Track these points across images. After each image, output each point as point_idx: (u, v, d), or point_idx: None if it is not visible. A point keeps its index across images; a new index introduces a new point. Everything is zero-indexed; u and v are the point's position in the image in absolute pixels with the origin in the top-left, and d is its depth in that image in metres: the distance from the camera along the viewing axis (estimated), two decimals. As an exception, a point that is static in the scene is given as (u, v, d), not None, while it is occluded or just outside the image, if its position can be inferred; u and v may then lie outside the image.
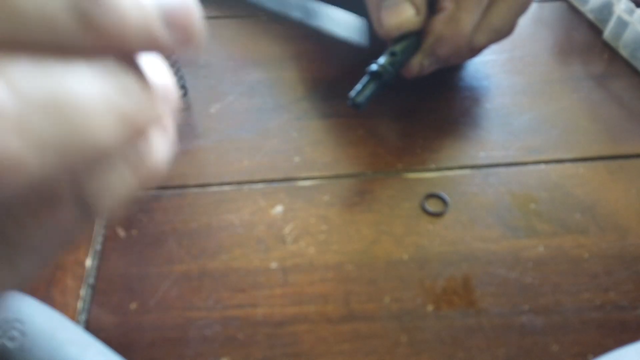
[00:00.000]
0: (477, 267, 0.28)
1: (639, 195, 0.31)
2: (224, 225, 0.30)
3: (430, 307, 0.27)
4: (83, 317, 0.27)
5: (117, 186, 0.11)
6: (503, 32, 0.34)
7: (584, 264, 0.28)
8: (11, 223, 0.10)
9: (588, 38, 0.43)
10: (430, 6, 0.33)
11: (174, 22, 0.10)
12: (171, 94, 0.12)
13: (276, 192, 0.32)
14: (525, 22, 0.44)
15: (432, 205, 0.31)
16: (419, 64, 0.34)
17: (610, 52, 0.41)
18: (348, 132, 0.35)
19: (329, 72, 0.39)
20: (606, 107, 0.37)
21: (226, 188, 0.32)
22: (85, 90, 0.09)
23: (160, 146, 0.13)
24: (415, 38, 0.33)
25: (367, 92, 0.31)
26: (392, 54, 0.32)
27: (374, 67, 0.31)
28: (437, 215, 0.30)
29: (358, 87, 0.31)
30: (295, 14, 0.15)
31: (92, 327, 0.26)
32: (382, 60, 0.32)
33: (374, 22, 0.35)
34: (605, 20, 0.42)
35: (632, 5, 0.39)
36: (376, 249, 0.29)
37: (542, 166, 0.33)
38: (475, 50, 0.34)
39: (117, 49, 0.10)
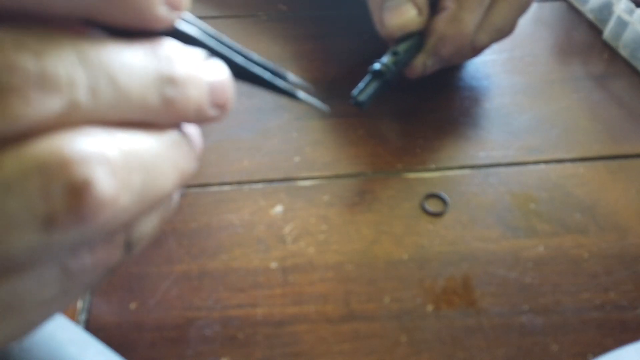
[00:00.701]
0: (477, 267, 0.28)
1: (639, 195, 0.31)
2: (224, 225, 0.30)
3: (430, 307, 0.27)
4: (83, 317, 0.27)
5: (152, 232, 0.14)
6: (505, 31, 0.34)
7: (584, 263, 0.28)
8: (70, 252, 0.12)
9: (588, 38, 0.43)
10: (432, 6, 0.33)
11: (217, 100, 0.14)
12: (198, 154, 0.15)
13: (276, 192, 0.32)
14: (525, 22, 0.44)
15: (432, 205, 0.31)
16: (422, 64, 0.34)
17: (610, 52, 0.41)
18: (348, 132, 0.35)
19: (329, 72, 0.39)
20: (606, 107, 0.37)
21: (226, 188, 0.32)
22: (162, 155, 0.13)
23: (176, 201, 0.16)
24: (417, 38, 0.33)
25: (370, 90, 0.31)
26: (395, 54, 0.32)
27: (376, 66, 0.31)
28: (437, 215, 0.30)
29: (360, 85, 0.31)
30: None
31: (92, 327, 0.26)
32: (384, 59, 0.32)
33: (376, 23, 0.35)
34: (605, 20, 0.42)
35: (632, 5, 0.39)
36: (376, 249, 0.29)
37: (542, 166, 0.33)
38: (477, 50, 0.35)
39: (180, 122, 0.13)
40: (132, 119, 0.12)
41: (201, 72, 0.13)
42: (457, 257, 0.28)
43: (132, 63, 0.12)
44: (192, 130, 0.14)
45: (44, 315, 0.13)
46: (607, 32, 0.41)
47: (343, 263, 0.28)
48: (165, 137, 0.13)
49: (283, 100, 0.37)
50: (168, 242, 0.29)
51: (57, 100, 0.10)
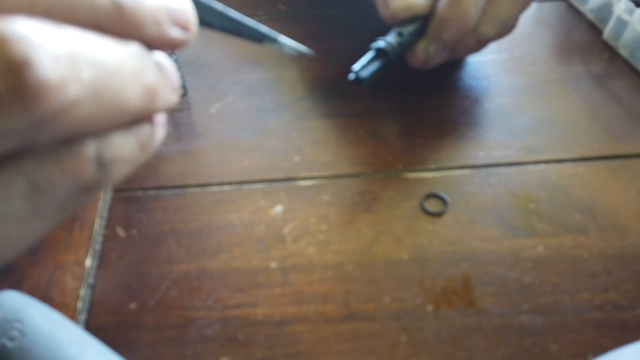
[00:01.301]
0: (477, 267, 0.28)
1: (639, 195, 0.31)
2: (224, 225, 0.30)
3: (430, 307, 0.27)
4: (83, 317, 0.27)
5: (128, 155, 0.14)
6: (508, 25, 0.34)
7: (584, 263, 0.28)
8: (36, 164, 0.12)
9: (588, 38, 0.43)
10: None
11: (177, 20, 0.14)
12: (175, 86, 0.15)
13: (276, 192, 0.32)
14: (525, 22, 0.44)
15: (432, 205, 0.31)
16: (424, 50, 0.34)
17: (610, 52, 0.41)
18: (348, 132, 0.35)
19: (329, 72, 0.39)
20: (606, 107, 0.37)
21: (226, 188, 0.32)
22: (119, 60, 0.12)
23: (159, 133, 0.15)
24: (422, 22, 0.33)
25: (372, 67, 0.31)
26: (400, 34, 0.32)
27: (381, 44, 0.31)
28: (437, 215, 0.30)
29: (363, 60, 0.31)
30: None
31: (92, 327, 0.26)
32: (389, 38, 0.32)
33: (379, 7, 0.35)
34: (605, 20, 0.42)
35: (632, 5, 0.39)
36: (376, 249, 0.29)
37: (542, 166, 0.33)
38: (482, 42, 0.34)
39: (139, 38, 0.13)
40: (84, 21, 0.12)
41: None
42: (457, 257, 0.29)
43: None
44: (163, 58, 0.14)
45: (20, 235, 0.13)
46: (607, 32, 0.41)
47: (343, 263, 0.28)
48: (123, 45, 0.13)
49: (283, 100, 0.37)
50: (168, 242, 0.29)
51: None
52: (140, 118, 0.14)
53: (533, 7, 0.46)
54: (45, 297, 0.27)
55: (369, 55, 0.31)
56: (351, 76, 0.31)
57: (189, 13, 0.14)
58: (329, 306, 0.27)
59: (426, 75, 0.37)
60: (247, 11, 0.45)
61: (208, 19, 0.16)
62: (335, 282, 0.28)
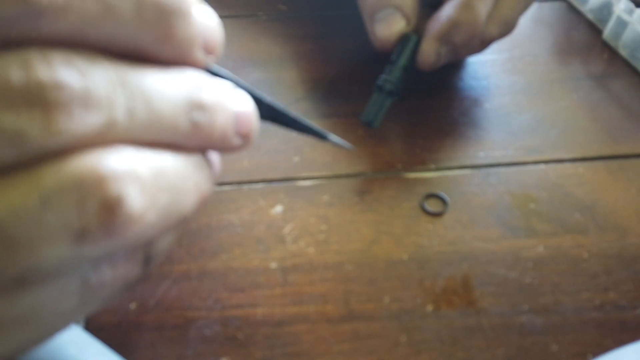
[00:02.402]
0: (477, 267, 0.28)
1: (639, 195, 0.31)
2: (224, 225, 0.30)
3: (429, 307, 0.27)
4: (83, 317, 0.27)
5: (167, 249, 0.15)
6: (510, 25, 0.34)
7: (584, 263, 0.28)
8: (92, 267, 0.13)
9: (588, 38, 0.43)
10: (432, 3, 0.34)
11: (241, 129, 0.15)
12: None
13: (276, 192, 0.32)
14: (525, 22, 0.44)
15: (432, 205, 0.31)
16: (435, 52, 0.33)
17: (609, 52, 0.41)
18: (348, 132, 0.35)
19: (329, 72, 0.39)
20: (606, 107, 0.37)
21: (226, 188, 0.32)
22: (186, 176, 0.13)
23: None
24: (414, 39, 0.34)
25: (382, 111, 0.32)
26: (398, 67, 0.33)
27: (381, 83, 0.32)
28: (437, 215, 0.30)
29: (372, 108, 0.32)
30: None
31: (92, 327, 0.26)
32: (390, 76, 0.33)
33: (369, 34, 0.35)
34: (605, 20, 0.42)
35: (632, 5, 0.39)
36: (376, 249, 0.29)
37: (542, 166, 0.33)
38: (485, 42, 0.34)
39: (205, 147, 0.14)
40: (162, 141, 0.13)
41: (228, 101, 0.14)
42: (457, 257, 0.29)
43: (166, 88, 0.13)
44: (213, 155, 0.15)
45: (59, 326, 0.13)
46: (607, 32, 0.41)
47: (343, 263, 0.28)
48: (190, 159, 0.14)
49: (283, 100, 0.37)
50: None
51: (97, 118, 0.11)
52: None
53: (533, 7, 0.46)
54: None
55: (376, 97, 0.33)
56: (364, 123, 0.32)
57: (254, 122, 0.15)
58: (329, 306, 0.27)
59: (426, 75, 0.37)
60: (247, 11, 0.45)
61: (267, 116, 0.17)
62: (335, 282, 0.28)
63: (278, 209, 0.31)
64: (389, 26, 0.34)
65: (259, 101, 0.16)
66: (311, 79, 0.39)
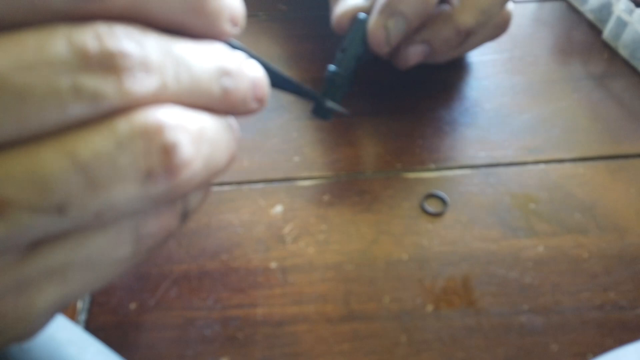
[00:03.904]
0: (477, 267, 0.28)
1: (639, 195, 0.31)
2: (224, 225, 0.30)
3: (429, 307, 0.27)
4: (83, 317, 0.27)
5: (199, 206, 0.17)
6: (490, 13, 0.32)
7: (584, 263, 0.28)
8: (142, 218, 0.15)
9: (588, 38, 0.43)
10: None
11: (257, 94, 0.17)
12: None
13: (276, 192, 0.32)
14: (524, 22, 0.44)
15: (432, 205, 0.31)
16: (382, 26, 0.30)
17: (609, 52, 0.41)
18: (348, 132, 0.35)
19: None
20: (606, 107, 0.37)
21: (226, 188, 0.32)
22: (221, 135, 0.16)
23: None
24: (361, 23, 0.31)
25: (335, 103, 0.28)
26: (342, 50, 0.31)
27: (335, 79, 0.30)
28: (437, 215, 0.30)
29: (321, 99, 0.28)
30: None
31: (92, 327, 0.26)
32: (340, 67, 0.30)
33: (331, 21, 0.34)
34: (605, 20, 0.42)
35: (632, 5, 0.39)
36: (376, 249, 0.29)
37: (542, 166, 0.33)
38: (461, 34, 0.32)
39: (231, 112, 0.16)
40: (200, 104, 0.15)
41: (246, 69, 0.16)
42: (457, 257, 0.28)
43: (201, 57, 0.15)
44: (233, 121, 0.17)
45: (112, 274, 0.15)
46: (607, 32, 0.41)
47: (343, 263, 0.28)
48: (222, 121, 0.16)
49: (283, 100, 0.37)
50: (168, 242, 0.29)
51: (154, 81, 0.13)
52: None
53: (533, 7, 0.46)
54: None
55: (326, 90, 0.29)
56: (315, 115, 0.29)
57: (266, 87, 0.17)
58: (328, 306, 0.27)
59: (425, 75, 0.37)
60: (247, 11, 0.45)
61: (274, 82, 0.20)
62: (335, 282, 0.28)
63: (278, 209, 0.31)
64: (344, 4, 0.33)
65: (268, 69, 0.19)
66: (311, 79, 0.39)
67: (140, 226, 0.15)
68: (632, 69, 0.39)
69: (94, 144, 0.12)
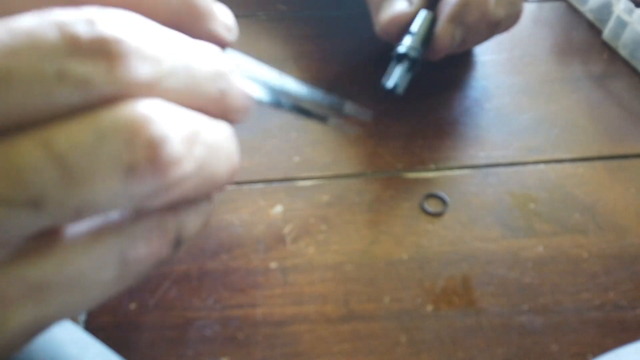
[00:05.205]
0: (477, 267, 0.28)
1: (639, 195, 0.31)
2: (224, 225, 0.30)
3: (429, 307, 0.27)
4: (82, 317, 0.27)
5: (195, 233, 0.16)
6: (515, 5, 0.34)
7: (584, 263, 0.28)
8: (130, 242, 0.14)
9: (587, 38, 0.43)
10: None
11: (245, 105, 0.17)
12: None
13: (276, 192, 0.32)
14: (524, 22, 0.44)
15: (432, 205, 0.31)
16: (451, 34, 0.33)
17: (609, 52, 0.41)
18: (348, 132, 0.35)
19: (329, 72, 0.39)
20: (606, 107, 0.37)
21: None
22: (219, 140, 0.15)
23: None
24: (428, 15, 0.33)
25: (406, 77, 0.32)
26: (414, 35, 0.33)
27: (401, 49, 0.32)
28: (437, 215, 0.30)
29: (394, 74, 0.32)
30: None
31: (92, 327, 0.26)
32: (407, 42, 0.32)
33: (375, 28, 0.35)
34: (605, 20, 0.42)
35: (632, 5, 0.39)
36: (376, 249, 0.29)
37: (542, 166, 0.33)
38: (492, 25, 0.34)
39: (224, 119, 0.16)
40: (196, 105, 0.14)
41: (235, 76, 0.16)
42: (457, 257, 0.29)
43: (200, 56, 0.15)
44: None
45: (96, 297, 0.14)
46: (607, 32, 0.41)
47: (343, 263, 0.28)
48: (221, 126, 0.15)
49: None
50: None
51: (148, 70, 0.13)
52: (212, 194, 0.16)
53: (533, 7, 0.46)
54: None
55: (396, 66, 0.32)
56: (389, 85, 0.32)
57: (250, 98, 0.17)
58: (328, 306, 0.27)
59: (426, 75, 0.37)
60: (247, 11, 0.45)
61: (276, 101, 0.20)
62: (335, 282, 0.28)
63: (278, 209, 0.31)
64: (391, 9, 0.33)
65: (272, 89, 0.19)
66: (311, 79, 0.39)
67: (127, 248, 0.14)
68: (632, 69, 0.39)
69: (72, 133, 0.12)
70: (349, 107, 0.22)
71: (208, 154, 0.14)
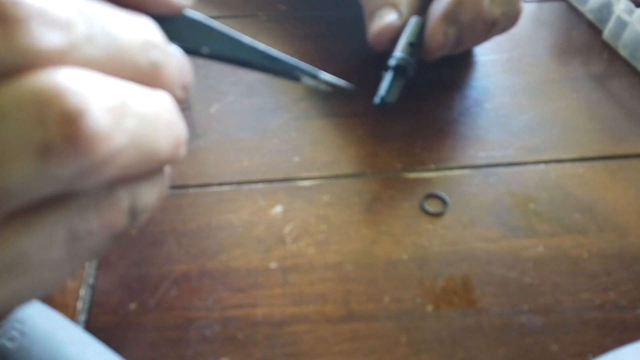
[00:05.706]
0: (477, 267, 0.28)
1: (639, 195, 0.31)
2: (224, 225, 0.30)
3: (429, 307, 0.27)
4: (83, 317, 0.27)
5: (152, 205, 0.15)
6: (512, 5, 0.34)
7: (584, 263, 0.28)
8: (77, 214, 0.13)
9: (587, 38, 0.43)
10: None
11: (184, 80, 0.15)
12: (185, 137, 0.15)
13: (276, 192, 0.32)
14: (524, 22, 0.44)
15: (432, 205, 0.31)
16: (443, 33, 0.32)
17: (609, 52, 0.41)
18: (348, 132, 0.35)
19: (328, 72, 0.39)
20: (606, 107, 0.37)
21: (226, 188, 0.32)
22: (156, 111, 0.13)
23: (168, 184, 0.16)
24: (418, 20, 0.33)
25: (396, 89, 0.32)
26: (410, 45, 0.33)
27: (393, 62, 0.32)
28: (437, 215, 0.30)
29: (384, 85, 0.32)
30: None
31: (92, 327, 0.26)
32: (400, 54, 0.32)
33: (367, 37, 0.35)
34: (605, 20, 0.42)
35: (632, 5, 0.39)
36: (376, 249, 0.29)
37: (542, 166, 0.33)
38: (488, 24, 0.34)
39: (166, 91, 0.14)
40: (126, 75, 0.13)
41: (172, 49, 0.15)
42: (457, 257, 0.29)
43: (124, 23, 0.13)
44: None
45: (52, 279, 0.13)
46: (607, 32, 0.41)
47: (343, 263, 0.28)
48: (158, 95, 0.14)
49: (283, 100, 0.37)
50: (168, 242, 0.29)
51: (56, 38, 0.11)
52: (163, 168, 0.15)
53: (533, 7, 0.46)
54: (45, 298, 0.27)
55: (388, 76, 0.32)
56: (376, 102, 0.31)
57: (191, 74, 0.16)
58: (329, 306, 0.27)
59: (425, 75, 0.37)
60: (247, 11, 0.45)
61: (245, 57, 0.17)
62: (335, 282, 0.28)
63: (278, 209, 0.31)
64: (381, 20, 0.34)
65: (240, 43, 0.17)
66: (311, 79, 0.39)
67: (76, 225, 0.13)
68: (632, 69, 0.39)
69: None
70: (326, 75, 0.20)
71: (143, 126, 0.13)
